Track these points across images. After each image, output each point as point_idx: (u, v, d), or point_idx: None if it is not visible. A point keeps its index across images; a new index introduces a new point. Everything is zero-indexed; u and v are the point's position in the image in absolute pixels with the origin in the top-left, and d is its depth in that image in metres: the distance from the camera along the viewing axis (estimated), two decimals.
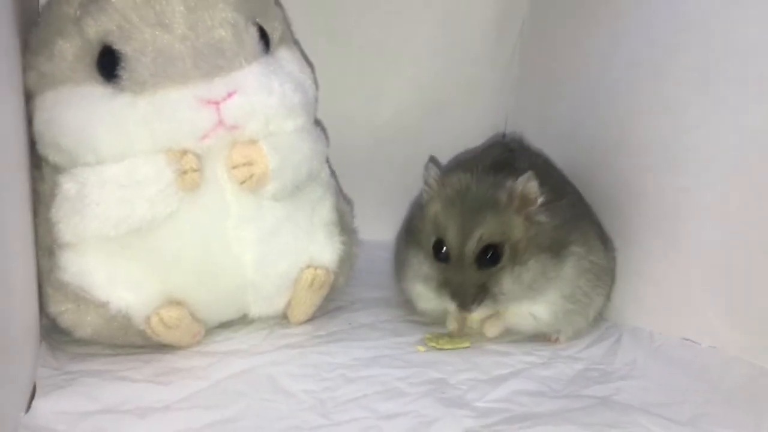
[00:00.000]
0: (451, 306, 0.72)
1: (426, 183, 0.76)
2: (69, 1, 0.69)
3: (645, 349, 0.73)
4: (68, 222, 0.67)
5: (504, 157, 0.80)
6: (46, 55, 0.68)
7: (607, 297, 0.79)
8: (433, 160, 0.87)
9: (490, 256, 0.70)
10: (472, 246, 0.70)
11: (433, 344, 0.75)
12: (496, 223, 0.70)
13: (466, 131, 0.99)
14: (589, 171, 0.85)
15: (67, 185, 0.67)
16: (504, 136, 1.03)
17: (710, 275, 0.70)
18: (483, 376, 0.69)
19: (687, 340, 0.73)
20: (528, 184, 0.70)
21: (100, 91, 0.66)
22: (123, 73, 0.65)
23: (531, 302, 0.73)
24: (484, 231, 0.69)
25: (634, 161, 0.78)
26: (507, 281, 0.70)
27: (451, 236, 0.71)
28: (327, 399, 0.64)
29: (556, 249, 0.72)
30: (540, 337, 0.77)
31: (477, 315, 0.73)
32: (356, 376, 0.69)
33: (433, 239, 0.73)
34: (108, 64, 0.66)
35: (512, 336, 0.77)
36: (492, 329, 0.76)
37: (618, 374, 0.70)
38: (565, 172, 0.86)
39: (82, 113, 0.66)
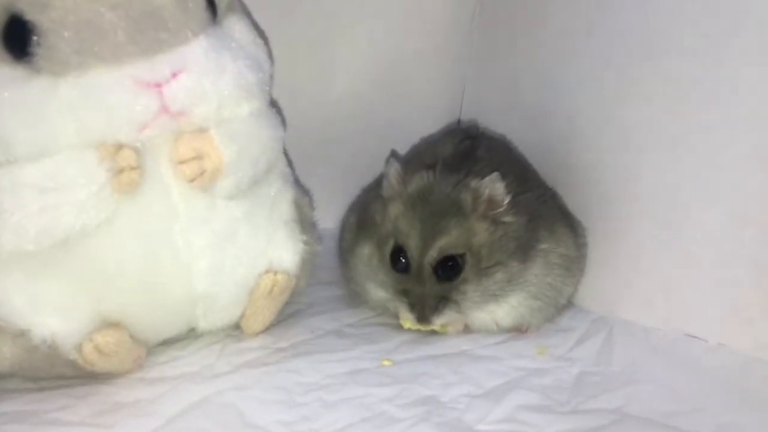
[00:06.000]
0: (409, 317, 0.68)
1: (387, 179, 0.70)
2: None
3: (643, 347, 0.67)
4: None
5: (464, 146, 0.74)
6: None
7: (578, 283, 0.75)
8: (394, 154, 0.79)
9: (451, 267, 0.66)
10: (431, 258, 0.66)
11: (409, 326, 0.70)
12: (459, 231, 0.66)
13: (423, 105, 0.93)
14: (564, 150, 0.79)
15: None
16: (461, 108, 0.95)
17: (719, 263, 0.65)
18: (477, 390, 0.62)
19: (691, 336, 0.67)
20: (494, 186, 0.66)
21: (8, 72, 0.55)
22: (37, 50, 0.53)
23: (495, 306, 0.69)
24: (445, 242, 0.66)
25: (625, 140, 0.72)
26: (470, 291, 0.67)
27: (412, 245, 0.66)
28: None
29: (523, 251, 0.68)
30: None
31: (436, 324, 0.68)
32: (335, 399, 0.60)
33: (391, 244, 0.68)
34: (17, 38, 0.53)
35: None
36: (450, 329, 0.72)
37: (621, 378, 0.63)
38: (533, 152, 0.81)
39: None
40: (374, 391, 0.61)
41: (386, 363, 0.66)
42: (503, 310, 0.69)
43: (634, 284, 0.72)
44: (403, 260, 0.67)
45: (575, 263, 0.73)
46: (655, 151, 0.69)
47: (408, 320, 0.69)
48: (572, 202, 0.77)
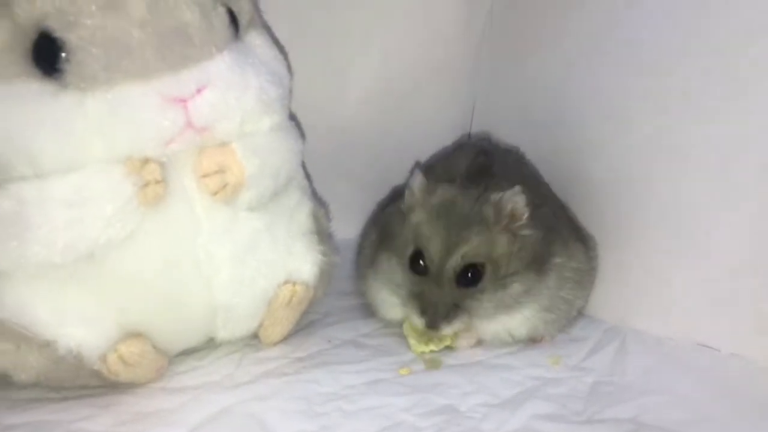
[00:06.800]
0: (418, 322, 0.68)
1: (410, 189, 0.70)
2: None
3: (656, 357, 0.68)
4: (3, 247, 0.56)
5: (480, 162, 0.75)
6: None
7: (589, 295, 0.76)
8: (419, 165, 0.80)
9: (473, 275, 0.66)
10: (454, 263, 0.66)
11: (422, 349, 0.70)
12: (481, 241, 0.66)
13: (434, 117, 0.93)
14: (575, 162, 0.80)
15: (2, 203, 0.55)
16: (471, 121, 0.97)
17: (730, 273, 0.65)
18: (494, 400, 0.63)
19: (703, 345, 0.68)
20: (516, 200, 0.67)
21: (37, 88, 0.55)
22: (66, 66, 0.54)
23: (508, 318, 0.70)
24: (468, 249, 0.66)
25: (638, 151, 0.72)
26: (485, 301, 0.67)
27: (433, 250, 0.67)
28: None
29: (539, 264, 0.69)
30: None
31: (445, 332, 0.68)
32: (355, 409, 0.61)
33: (411, 249, 0.68)
34: (46, 55, 0.54)
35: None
36: (463, 342, 0.72)
37: (635, 388, 0.64)
38: (544, 164, 0.82)
39: (15, 116, 0.55)
40: (393, 400, 0.62)
41: (403, 372, 0.67)
42: (516, 321, 0.70)
43: (646, 294, 0.72)
44: (422, 263, 0.67)
45: (586, 276, 0.74)
46: (667, 162, 0.69)
47: (417, 346, 0.70)
48: (584, 213, 0.78)
